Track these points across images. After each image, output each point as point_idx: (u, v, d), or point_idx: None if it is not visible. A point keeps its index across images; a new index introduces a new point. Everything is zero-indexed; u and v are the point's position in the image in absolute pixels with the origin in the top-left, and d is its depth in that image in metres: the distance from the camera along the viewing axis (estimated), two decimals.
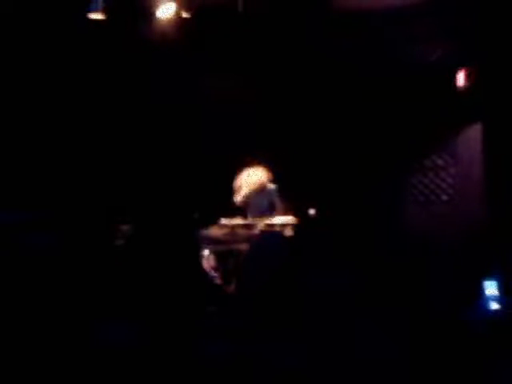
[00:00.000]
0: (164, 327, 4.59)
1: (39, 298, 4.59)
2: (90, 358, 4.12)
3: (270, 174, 7.03)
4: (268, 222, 6.80)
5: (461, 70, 7.17)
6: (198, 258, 6.12)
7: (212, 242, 6.53)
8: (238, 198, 6.93)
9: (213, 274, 6.42)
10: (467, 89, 7.15)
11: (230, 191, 7.08)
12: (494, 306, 5.68)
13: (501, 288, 5.78)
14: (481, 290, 5.78)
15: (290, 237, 6.37)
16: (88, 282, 4.98)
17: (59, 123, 6.69)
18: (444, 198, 7.37)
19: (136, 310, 4.83)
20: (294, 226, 6.63)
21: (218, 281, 6.42)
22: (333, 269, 5.16)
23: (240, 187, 6.94)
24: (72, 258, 5.11)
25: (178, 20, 6.22)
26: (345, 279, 5.00)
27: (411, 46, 7.07)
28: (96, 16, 6.02)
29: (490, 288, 5.79)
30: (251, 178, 6.99)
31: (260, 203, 6.99)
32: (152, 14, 6.19)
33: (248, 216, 6.93)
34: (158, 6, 6.17)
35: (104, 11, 6.02)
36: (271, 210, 6.97)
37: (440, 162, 7.39)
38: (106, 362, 4.11)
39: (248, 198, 6.98)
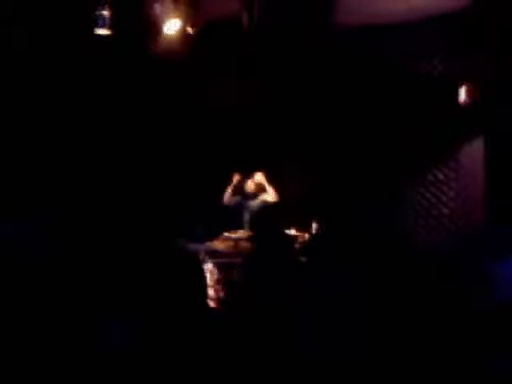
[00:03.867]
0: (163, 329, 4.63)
1: (39, 306, 4.63)
2: (91, 360, 4.15)
3: (266, 182, 7.13)
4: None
5: (463, 84, 7.22)
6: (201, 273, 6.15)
7: (215, 255, 6.59)
8: (232, 200, 7.07)
9: (216, 287, 6.46)
10: (469, 103, 7.19)
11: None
12: None
13: None
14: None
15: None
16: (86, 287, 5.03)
17: (64, 136, 6.75)
18: (445, 211, 7.41)
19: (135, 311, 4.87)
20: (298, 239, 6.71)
21: (221, 294, 6.46)
22: (338, 273, 5.21)
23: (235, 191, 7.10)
24: (70, 264, 5.15)
25: (184, 36, 6.27)
26: (351, 284, 5.05)
27: (413, 61, 7.13)
28: (103, 32, 6.07)
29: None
30: (247, 184, 7.12)
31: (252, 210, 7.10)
32: (158, 31, 6.24)
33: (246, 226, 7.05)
34: (163, 22, 6.22)
35: (110, 27, 6.07)
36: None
37: (441, 176, 7.43)
38: (108, 363, 4.14)
39: (239, 202, 7.10)
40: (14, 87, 6.42)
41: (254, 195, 7.17)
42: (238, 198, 7.16)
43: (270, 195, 7.16)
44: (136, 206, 7.04)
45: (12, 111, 6.62)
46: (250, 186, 7.19)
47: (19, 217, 5.76)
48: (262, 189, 7.20)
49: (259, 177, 7.20)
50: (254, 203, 7.18)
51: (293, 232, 6.84)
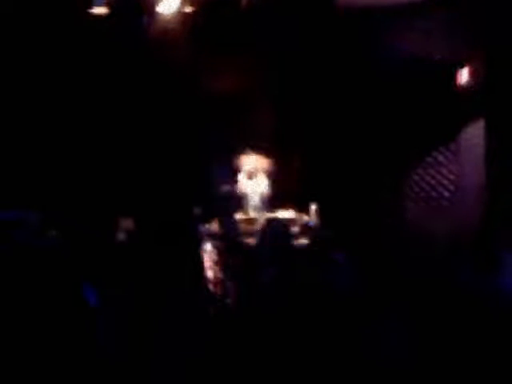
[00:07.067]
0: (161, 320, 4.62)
1: (40, 298, 4.60)
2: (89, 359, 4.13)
3: (265, 162, 7.09)
4: (270, 216, 6.84)
5: (464, 67, 7.17)
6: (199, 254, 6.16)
7: (214, 236, 6.57)
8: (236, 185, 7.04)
9: (215, 268, 6.45)
10: (470, 86, 7.15)
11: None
12: None
13: None
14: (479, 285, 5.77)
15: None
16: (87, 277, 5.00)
17: (59, 121, 6.70)
18: (445, 194, 7.38)
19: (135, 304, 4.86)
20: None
21: (220, 275, 6.45)
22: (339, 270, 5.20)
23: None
24: (72, 256, 5.13)
25: (181, 15, 6.22)
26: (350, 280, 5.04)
27: (414, 43, 7.08)
28: (99, 11, 6.03)
29: None
30: (246, 166, 7.08)
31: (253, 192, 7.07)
32: (155, 9, 6.19)
33: (246, 208, 7.01)
34: (161, 0, 6.17)
35: (107, 5, 6.03)
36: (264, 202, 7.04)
37: (441, 158, 7.39)
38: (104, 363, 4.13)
39: (242, 185, 7.07)
40: (8, 70, 6.37)
41: (251, 177, 7.14)
42: (237, 183, 7.12)
43: (264, 178, 7.14)
44: (134, 188, 7.02)
45: (7, 95, 6.58)
46: (246, 168, 7.15)
47: (18, 211, 5.75)
48: (259, 170, 7.16)
49: (254, 159, 7.16)
50: (251, 186, 7.15)
51: (291, 214, 6.81)
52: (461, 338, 4.39)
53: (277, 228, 5.84)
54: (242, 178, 7.17)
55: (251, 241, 6.35)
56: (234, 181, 7.13)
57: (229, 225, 6.49)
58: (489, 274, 5.52)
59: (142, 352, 4.31)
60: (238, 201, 7.08)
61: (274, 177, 7.16)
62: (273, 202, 7.07)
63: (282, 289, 5.00)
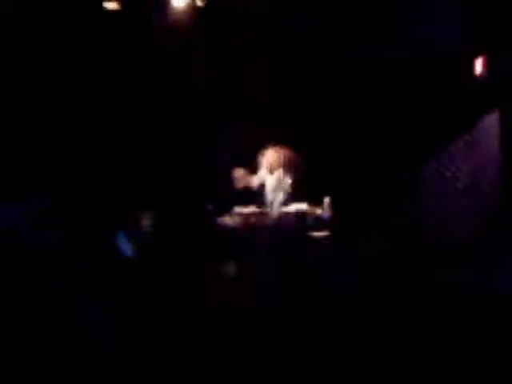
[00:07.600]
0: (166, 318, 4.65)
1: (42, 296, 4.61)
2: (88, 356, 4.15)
3: (283, 156, 7.07)
4: (282, 210, 6.83)
5: (479, 57, 7.12)
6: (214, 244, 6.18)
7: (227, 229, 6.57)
8: (255, 179, 7.01)
9: None
10: (485, 76, 7.10)
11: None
12: None
13: None
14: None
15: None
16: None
17: (71, 114, 6.71)
18: (459, 186, 7.33)
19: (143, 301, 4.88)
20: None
21: None
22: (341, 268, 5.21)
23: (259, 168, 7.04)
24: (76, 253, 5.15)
25: (193, 9, 6.23)
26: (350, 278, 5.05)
27: (430, 34, 7.03)
28: (111, 5, 6.04)
29: None
30: (268, 158, 7.05)
31: (272, 186, 7.04)
32: (167, 3, 6.20)
33: (263, 202, 7.00)
34: None
35: (119, 0, 6.04)
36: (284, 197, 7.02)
37: (455, 150, 7.34)
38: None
39: (263, 179, 7.04)
40: (21, 63, 6.39)
41: (270, 171, 7.11)
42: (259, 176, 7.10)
43: (283, 172, 7.10)
44: (147, 185, 7.04)
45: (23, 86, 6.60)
46: (265, 163, 7.13)
47: (17, 203, 5.76)
48: (277, 165, 7.12)
49: (272, 153, 7.13)
50: (271, 179, 7.12)
51: (304, 207, 6.79)
52: (462, 337, 4.39)
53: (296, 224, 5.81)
54: (260, 172, 7.13)
55: (261, 235, 6.34)
56: (251, 175, 7.11)
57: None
58: (492, 273, 5.52)
59: (143, 352, 4.33)
60: (256, 195, 7.06)
61: (290, 170, 7.13)
62: (289, 195, 7.05)
63: (284, 287, 5.01)
